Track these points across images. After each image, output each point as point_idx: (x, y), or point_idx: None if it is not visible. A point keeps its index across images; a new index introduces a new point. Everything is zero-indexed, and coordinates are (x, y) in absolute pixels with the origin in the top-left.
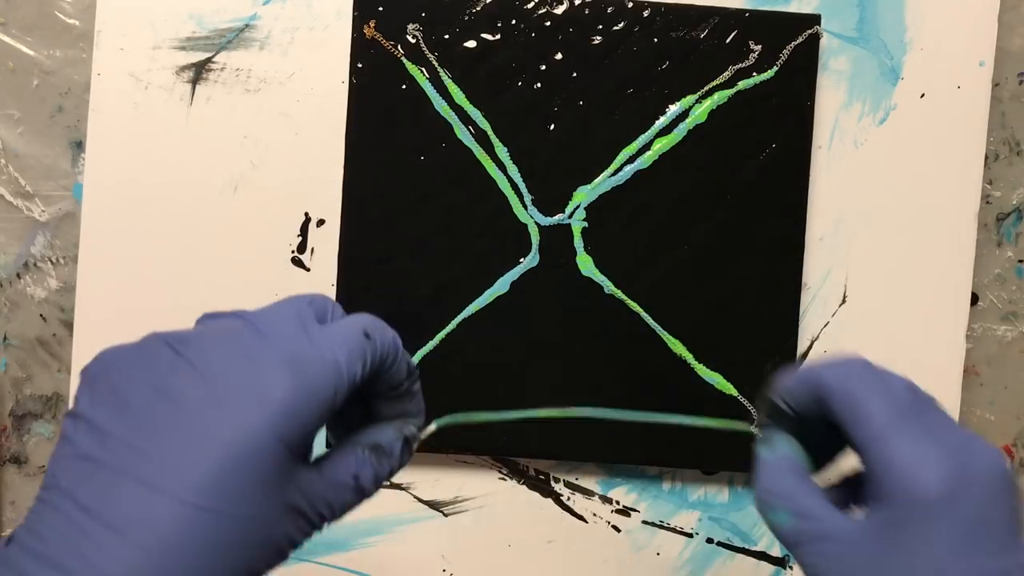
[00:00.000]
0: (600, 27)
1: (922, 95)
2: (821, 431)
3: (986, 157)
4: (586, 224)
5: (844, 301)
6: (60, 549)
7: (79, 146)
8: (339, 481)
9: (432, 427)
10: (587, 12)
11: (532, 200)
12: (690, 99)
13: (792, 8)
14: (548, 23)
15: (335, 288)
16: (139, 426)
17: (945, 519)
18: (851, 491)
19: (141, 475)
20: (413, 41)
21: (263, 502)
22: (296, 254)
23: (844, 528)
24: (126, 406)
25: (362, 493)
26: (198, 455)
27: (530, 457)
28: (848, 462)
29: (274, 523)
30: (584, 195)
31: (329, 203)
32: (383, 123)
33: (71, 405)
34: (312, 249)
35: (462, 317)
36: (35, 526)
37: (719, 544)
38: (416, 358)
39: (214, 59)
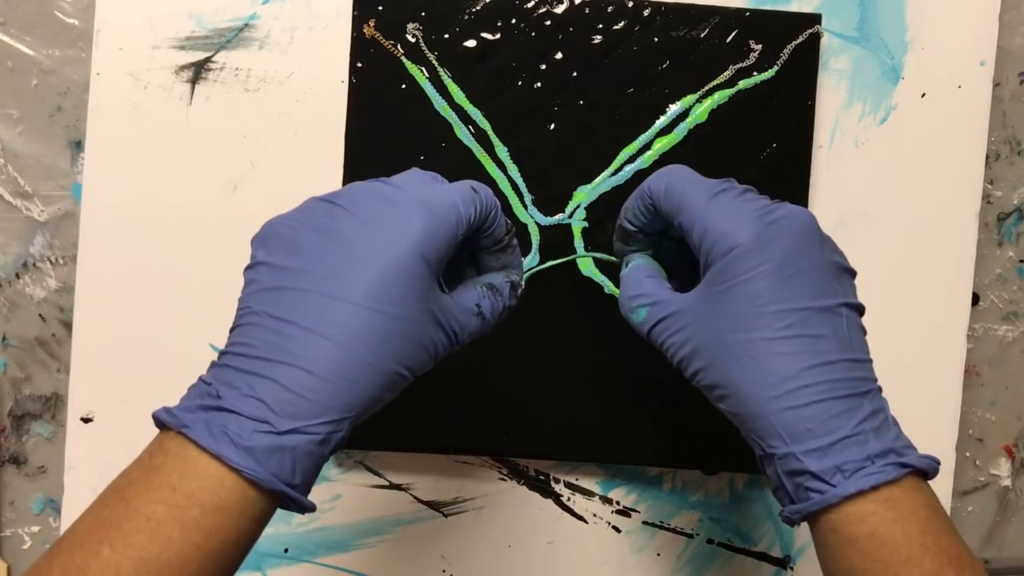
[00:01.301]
0: (600, 27)
1: (923, 95)
2: (669, 249)
3: (987, 157)
4: (586, 224)
5: None
6: (268, 349)
7: (78, 146)
8: (466, 306)
9: (530, 272)
10: (587, 12)
11: (532, 200)
12: (690, 99)
13: (793, 7)
14: (548, 23)
15: None
16: (311, 258)
17: (759, 262)
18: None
19: (321, 289)
20: (413, 41)
21: (414, 306)
22: None
23: (684, 299)
24: (297, 247)
25: (483, 319)
26: (362, 271)
27: (530, 457)
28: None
29: (423, 325)
30: (584, 195)
31: None
32: (383, 123)
33: (249, 262)
34: None
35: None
36: (241, 340)
37: (719, 545)
38: None
39: (213, 59)
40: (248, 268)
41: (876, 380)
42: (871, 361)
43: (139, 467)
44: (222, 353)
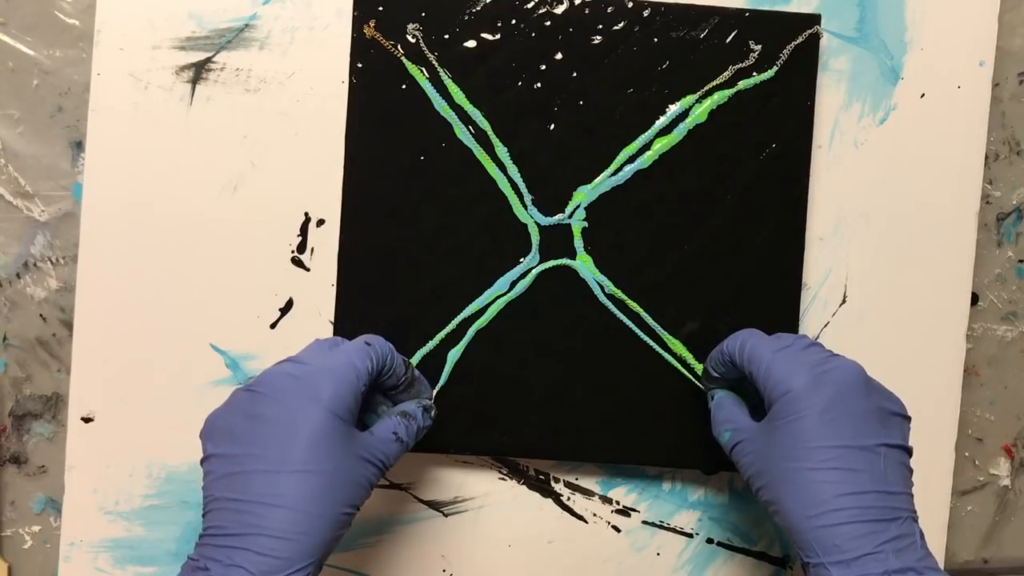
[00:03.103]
0: (600, 27)
1: (922, 95)
2: (753, 389)
3: (986, 157)
4: (586, 224)
5: (844, 301)
6: (236, 526)
7: (79, 146)
8: (385, 437)
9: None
10: (587, 12)
11: (532, 200)
12: (690, 99)
13: (792, 8)
14: (548, 23)
15: (335, 288)
16: (249, 442)
17: (807, 405)
18: None
19: (263, 467)
20: (413, 41)
21: (340, 456)
22: (296, 254)
23: (755, 428)
24: (235, 435)
25: (401, 443)
26: (291, 443)
27: (530, 457)
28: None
29: (353, 469)
30: (584, 195)
31: (329, 203)
32: (383, 123)
33: (202, 454)
34: (312, 249)
35: (462, 317)
36: (212, 524)
37: (719, 544)
38: (416, 357)
39: (214, 59)
40: (203, 461)
41: (911, 510)
42: (909, 494)
43: None
44: (201, 535)
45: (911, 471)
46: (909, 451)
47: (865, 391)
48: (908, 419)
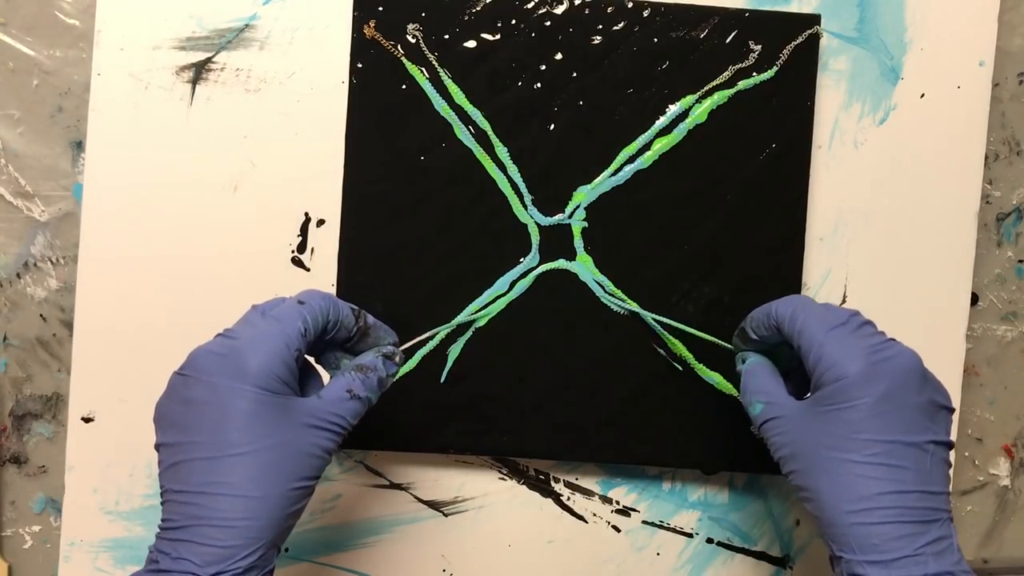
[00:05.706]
0: (600, 27)
1: (922, 95)
2: (788, 356)
3: (986, 157)
4: (586, 224)
5: (844, 301)
6: (181, 518)
7: (79, 146)
8: (337, 397)
9: (407, 345)
10: (587, 12)
11: (532, 200)
12: (690, 99)
13: (792, 8)
14: (548, 23)
15: (335, 288)
16: (185, 429)
17: (861, 395)
18: (806, 390)
19: (199, 454)
20: (413, 41)
21: (281, 429)
22: (296, 254)
23: (794, 407)
24: (175, 423)
25: (360, 400)
26: (223, 425)
27: (530, 457)
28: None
29: (299, 440)
30: (584, 195)
31: (329, 203)
32: (383, 123)
33: (154, 441)
34: (312, 249)
35: (462, 317)
36: (164, 515)
37: (719, 544)
38: (416, 358)
39: (214, 59)
40: (155, 447)
41: (949, 511)
42: (948, 494)
43: None
44: (158, 527)
45: (951, 466)
46: (951, 445)
47: (921, 384)
48: (952, 411)
